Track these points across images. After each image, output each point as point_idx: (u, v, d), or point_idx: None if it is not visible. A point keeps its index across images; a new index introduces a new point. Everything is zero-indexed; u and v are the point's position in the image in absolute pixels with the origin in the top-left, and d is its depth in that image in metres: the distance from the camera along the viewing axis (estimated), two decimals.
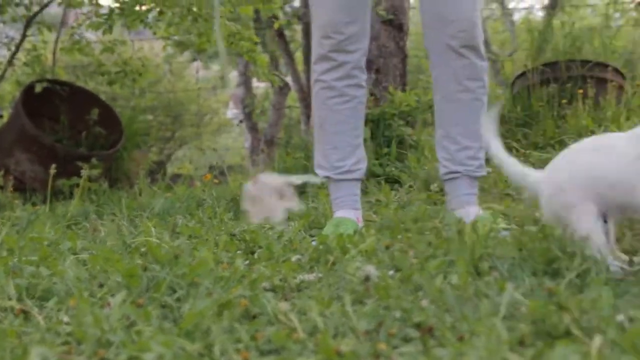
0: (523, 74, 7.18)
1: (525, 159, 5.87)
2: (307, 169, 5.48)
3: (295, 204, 2.94)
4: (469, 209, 3.71)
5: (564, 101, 6.63)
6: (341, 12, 3.72)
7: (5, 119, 9.14)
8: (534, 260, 2.55)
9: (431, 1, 3.69)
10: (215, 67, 17.00)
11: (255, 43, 7.94)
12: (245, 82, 15.11)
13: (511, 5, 18.99)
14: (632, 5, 13.59)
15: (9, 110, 9.35)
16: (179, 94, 15.07)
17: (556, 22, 10.56)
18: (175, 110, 14.89)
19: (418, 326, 1.98)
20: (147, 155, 9.37)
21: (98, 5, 7.80)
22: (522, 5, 19.34)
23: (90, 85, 9.58)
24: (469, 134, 3.74)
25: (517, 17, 18.79)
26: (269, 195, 2.97)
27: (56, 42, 9.15)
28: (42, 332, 2.12)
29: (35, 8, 8.91)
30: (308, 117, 9.95)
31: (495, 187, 4.85)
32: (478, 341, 1.83)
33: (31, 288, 2.54)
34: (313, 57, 3.86)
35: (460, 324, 1.95)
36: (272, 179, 3.00)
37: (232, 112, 19.00)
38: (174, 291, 2.43)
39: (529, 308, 1.98)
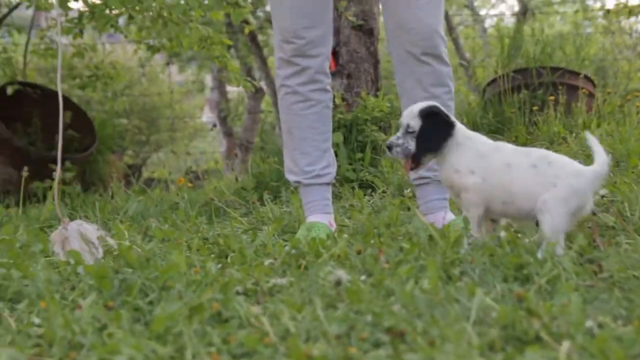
0: (494, 81, 7.22)
1: None
2: (281, 174, 5.48)
3: (100, 251, 3.11)
4: (440, 214, 3.73)
5: (535, 108, 6.67)
6: (301, 16, 3.72)
7: None
8: (504, 266, 2.58)
9: (392, 9, 3.71)
10: (190, 71, 16.98)
11: (229, 47, 7.93)
12: (219, 87, 15.09)
13: (482, 12, 19.05)
14: (601, 13, 13.69)
15: None
16: (153, 98, 15.02)
17: (526, 29, 10.63)
18: (150, 114, 14.83)
19: (389, 330, 1.99)
20: (121, 159, 9.34)
21: (67, 8, 7.74)
22: (493, 12, 19.39)
23: (63, 89, 9.51)
24: None
25: (488, 23, 18.91)
26: (77, 240, 3.09)
27: (27, 44, 9.09)
28: (13, 334, 2.12)
29: (4, 10, 8.85)
30: None
31: None
32: (448, 346, 1.85)
33: (2, 290, 2.53)
34: (276, 62, 3.86)
35: (431, 328, 1.97)
36: (82, 227, 3.15)
37: (207, 116, 18.98)
38: (146, 294, 2.43)
39: (499, 313, 2.00)
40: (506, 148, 3.07)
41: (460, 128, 3.10)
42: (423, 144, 3.06)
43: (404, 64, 3.72)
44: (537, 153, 3.03)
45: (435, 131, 3.06)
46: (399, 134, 3.10)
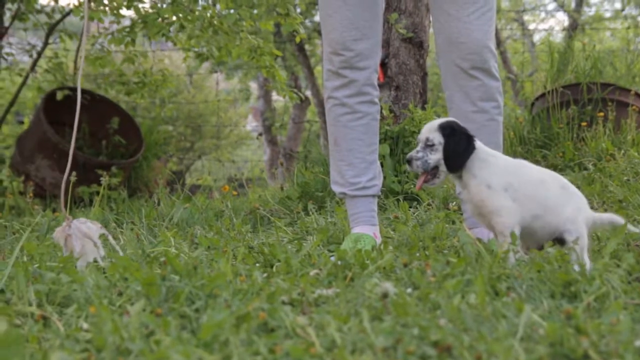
0: (542, 95, 7.17)
1: None
2: (325, 184, 5.49)
3: (101, 250, 3.15)
4: (485, 229, 3.71)
5: (584, 124, 6.62)
6: (350, 28, 3.73)
7: (26, 126, 9.21)
8: (551, 283, 2.56)
9: (443, 23, 3.70)
10: (236, 79, 17.07)
11: (276, 57, 7.97)
12: (265, 96, 15.17)
13: (531, 26, 18.98)
14: None
15: (30, 116, 9.41)
16: (199, 106, 15.13)
17: (577, 44, 10.56)
18: (195, 121, 14.94)
19: (436, 344, 1.99)
20: (166, 165, 9.41)
21: (119, 16, 7.82)
22: (542, 26, 19.28)
23: (111, 94, 9.62)
24: None
25: (537, 38, 18.82)
26: (79, 238, 3.13)
27: (78, 50, 9.20)
28: (62, 338, 2.14)
29: (57, 16, 8.96)
30: (327, 131, 9.93)
31: None
32: None
33: (51, 294, 2.56)
34: (324, 73, 3.87)
35: (478, 343, 1.96)
36: (85, 225, 3.18)
37: (251, 125, 19.06)
38: (193, 302, 2.45)
39: (547, 330, 1.99)
40: (530, 165, 3.18)
41: (480, 144, 3.13)
42: (449, 159, 3.08)
43: (453, 77, 3.71)
44: (557, 176, 3.17)
45: (458, 146, 3.07)
46: (418, 147, 3.12)
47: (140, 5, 7.63)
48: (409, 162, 3.12)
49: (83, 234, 3.27)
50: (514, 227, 2.98)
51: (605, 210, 4.33)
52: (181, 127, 14.27)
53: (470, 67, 3.65)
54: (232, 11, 7.24)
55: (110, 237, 3.35)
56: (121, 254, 3.25)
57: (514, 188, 3.02)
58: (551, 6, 21.31)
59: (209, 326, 2.08)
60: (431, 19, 3.89)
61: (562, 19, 23.06)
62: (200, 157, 15.71)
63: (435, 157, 3.09)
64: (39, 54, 9.16)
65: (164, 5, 7.56)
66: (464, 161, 3.07)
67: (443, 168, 3.11)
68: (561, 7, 17.68)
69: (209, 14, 7.43)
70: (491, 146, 3.71)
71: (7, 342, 2.03)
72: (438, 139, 3.08)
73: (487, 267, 2.70)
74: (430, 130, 3.11)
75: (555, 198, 3.01)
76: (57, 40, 9.17)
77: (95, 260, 3.22)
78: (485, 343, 1.95)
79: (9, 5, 8.76)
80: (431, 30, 4.66)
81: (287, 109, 15.14)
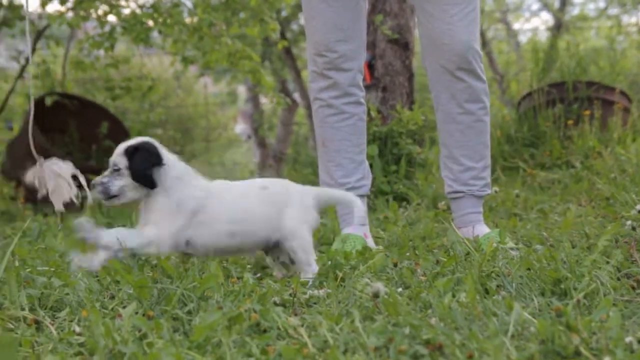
0: (529, 94, 7.22)
1: (532, 179, 5.89)
2: (315, 185, 5.50)
3: (74, 189, 3.08)
4: (475, 227, 3.72)
5: (571, 122, 6.66)
6: (333, 30, 3.74)
7: (16, 132, 9.19)
8: (541, 280, 2.58)
9: (427, 25, 3.71)
10: (224, 82, 17.06)
11: (263, 60, 8.01)
12: (253, 98, 15.16)
13: (516, 26, 19.02)
14: (635, 29, 13.65)
15: (20, 123, 9.40)
16: (188, 109, 15.12)
17: (561, 43, 10.60)
18: (184, 124, 14.93)
19: (427, 343, 2.00)
20: None
21: (103, 22, 7.83)
22: (527, 26, 19.34)
23: (100, 99, 9.63)
24: (472, 154, 3.77)
25: (522, 38, 18.86)
26: (52, 179, 3.07)
27: (65, 56, 9.20)
28: (55, 342, 2.15)
29: (44, 22, 8.96)
30: None
31: (502, 206, 4.87)
32: None
33: (43, 298, 2.56)
34: (309, 74, 3.88)
35: (469, 342, 1.97)
36: (56, 166, 3.11)
37: (239, 127, 19.02)
38: (185, 304, 2.45)
39: (538, 328, 2.00)
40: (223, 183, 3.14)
41: (174, 163, 3.05)
42: (137, 180, 2.96)
43: (439, 79, 3.72)
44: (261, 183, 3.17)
45: (140, 165, 2.95)
46: (106, 172, 3.00)
47: (123, 10, 7.66)
48: (94, 187, 3.00)
49: (55, 174, 3.23)
50: (168, 245, 2.94)
51: (593, 208, 4.36)
52: (171, 131, 14.25)
53: (455, 68, 3.66)
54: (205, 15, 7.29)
55: (82, 178, 3.27)
56: (91, 198, 3.17)
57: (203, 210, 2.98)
58: (535, 6, 21.39)
59: (201, 328, 2.09)
60: (416, 20, 3.91)
61: (547, 18, 23.11)
62: (190, 160, 15.71)
63: (121, 182, 2.97)
64: (27, 60, 9.15)
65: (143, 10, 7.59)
66: (149, 179, 2.95)
67: (131, 194, 2.99)
68: (545, 6, 17.73)
69: (186, 18, 7.47)
70: (479, 147, 3.75)
71: (0, 346, 2.04)
72: (124, 163, 2.96)
73: (477, 266, 2.71)
74: (117, 154, 2.99)
75: (258, 211, 3.00)
76: (45, 46, 9.17)
77: (71, 200, 3.18)
78: (477, 341, 1.96)
79: None
80: (416, 31, 4.67)
81: (276, 112, 15.13)
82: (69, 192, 3.20)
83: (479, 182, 3.79)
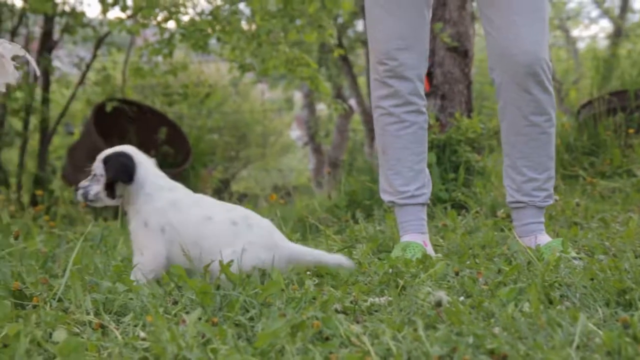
0: (589, 103, 7.14)
1: (593, 188, 5.83)
2: (372, 192, 5.50)
3: (17, 74, 3.01)
4: (537, 237, 3.69)
5: (632, 130, 6.58)
6: (395, 38, 3.72)
7: (76, 137, 9.34)
8: (605, 291, 2.54)
9: (496, 35, 3.66)
10: (280, 88, 17.16)
11: (319, 66, 8.05)
12: (310, 105, 15.23)
13: (575, 33, 18.82)
14: None
15: (80, 128, 9.55)
16: (244, 115, 15.22)
17: (621, 51, 10.48)
18: (240, 130, 15.03)
19: (491, 353, 1.99)
20: (213, 174, 9.48)
21: (163, 28, 7.91)
22: (585, 33, 19.13)
23: (158, 105, 9.73)
24: (536, 166, 3.73)
25: (580, 45, 18.67)
26: None
27: (125, 62, 9.32)
28: (121, 346, 2.17)
29: (105, 29, 9.09)
30: (372, 139, 9.98)
31: (562, 215, 4.82)
32: None
33: (108, 303, 2.59)
34: (370, 82, 3.87)
35: (534, 352, 1.96)
36: (1, 47, 3.02)
37: (295, 133, 19.12)
38: (247, 310, 2.47)
39: (604, 339, 1.98)
40: (205, 201, 3.10)
41: (154, 176, 3.09)
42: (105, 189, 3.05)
43: (505, 90, 3.66)
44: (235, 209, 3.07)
45: (114, 173, 3.03)
46: (89, 177, 3.09)
47: (182, 17, 7.74)
48: (77, 189, 3.11)
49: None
50: (153, 270, 2.94)
51: None
52: (227, 136, 14.36)
53: (522, 80, 3.59)
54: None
55: (30, 59, 3.13)
56: (39, 72, 3.16)
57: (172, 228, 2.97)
58: (594, 13, 21.15)
59: (265, 335, 2.10)
60: (482, 32, 3.87)
61: (605, 25, 22.84)
62: (245, 166, 15.80)
63: (98, 188, 3.05)
64: (88, 67, 9.29)
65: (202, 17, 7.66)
66: (112, 192, 3.05)
67: (107, 200, 3.08)
68: (605, 13, 17.53)
69: (244, 25, 7.53)
70: (543, 159, 3.70)
71: (67, 351, 2.07)
72: (100, 170, 3.05)
73: (540, 275, 2.69)
74: (97, 160, 3.08)
75: (219, 236, 2.93)
76: (106, 53, 9.31)
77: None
78: (542, 352, 1.94)
79: (57, 19, 8.89)
80: (477, 39, 4.65)
81: (332, 118, 15.17)
82: (15, 74, 3.12)
83: (542, 193, 3.74)
